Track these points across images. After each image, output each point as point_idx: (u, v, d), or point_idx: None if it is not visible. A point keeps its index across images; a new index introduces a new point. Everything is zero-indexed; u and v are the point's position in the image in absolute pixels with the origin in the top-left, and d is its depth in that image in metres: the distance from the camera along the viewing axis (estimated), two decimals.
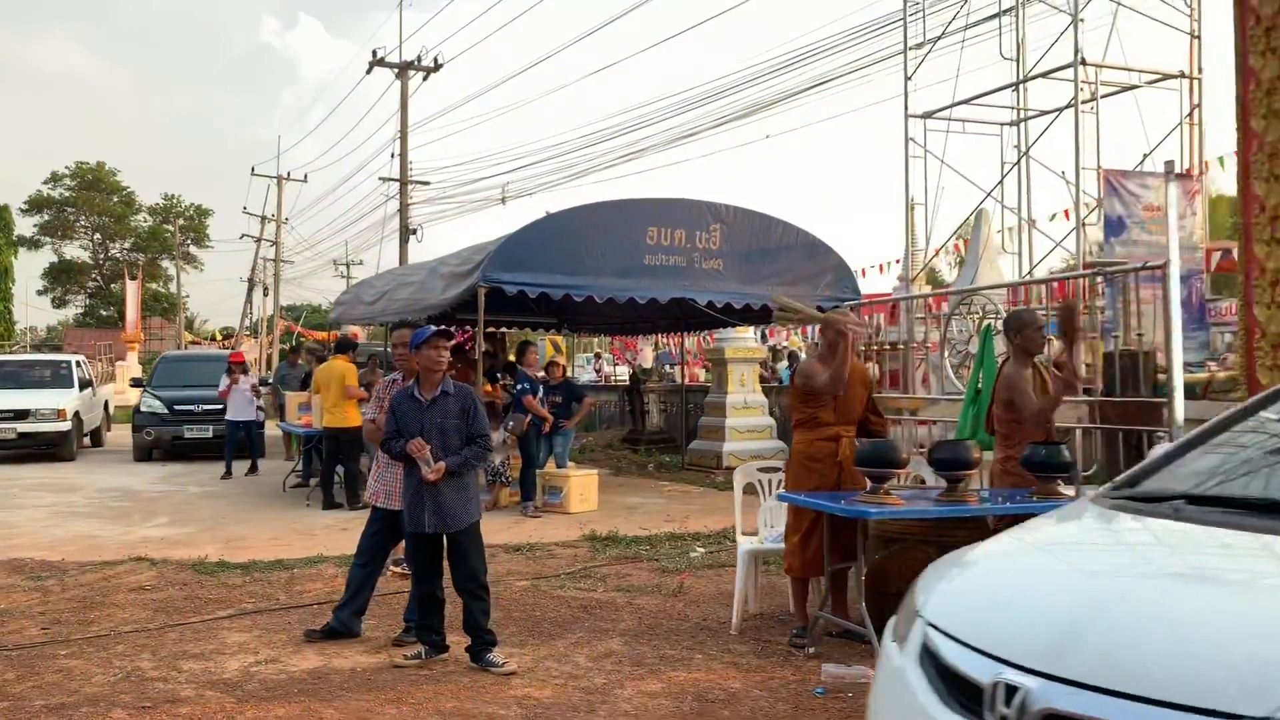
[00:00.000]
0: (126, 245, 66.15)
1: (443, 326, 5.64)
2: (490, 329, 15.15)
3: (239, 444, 14.30)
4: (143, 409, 16.70)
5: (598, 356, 31.01)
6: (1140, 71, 11.22)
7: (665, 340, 21.77)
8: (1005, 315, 6.33)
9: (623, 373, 25.30)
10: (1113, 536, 2.90)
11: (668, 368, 21.95)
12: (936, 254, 13.87)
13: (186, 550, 8.54)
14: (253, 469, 14.40)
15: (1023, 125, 12.38)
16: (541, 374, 11.75)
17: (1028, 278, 9.86)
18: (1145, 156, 10.90)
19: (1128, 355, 6.55)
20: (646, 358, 23.47)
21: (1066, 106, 10.82)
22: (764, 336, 20.13)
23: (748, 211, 12.08)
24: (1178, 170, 10.87)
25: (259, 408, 14.97)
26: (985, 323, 7.25)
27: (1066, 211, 12.74)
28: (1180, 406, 5.84)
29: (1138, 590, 2.39)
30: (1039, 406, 5.49)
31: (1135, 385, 6.29)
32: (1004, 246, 12.47)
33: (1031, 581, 2.66)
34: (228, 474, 13.94)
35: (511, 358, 13.44)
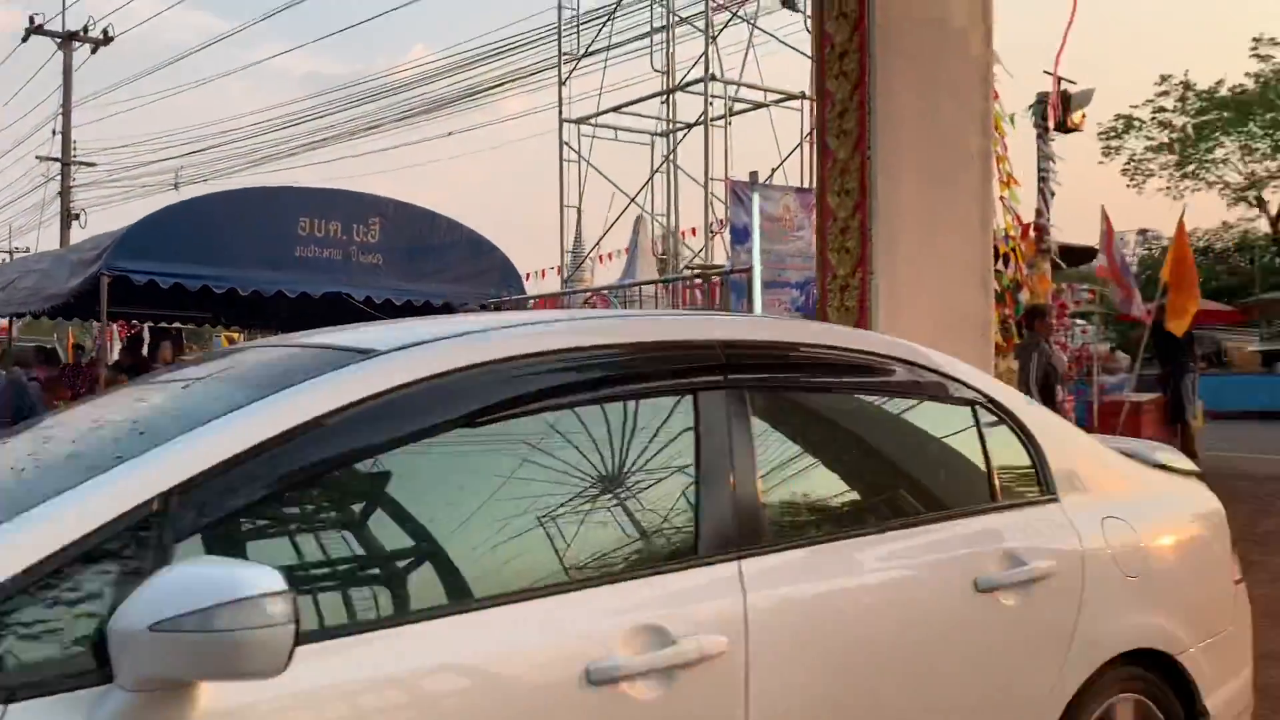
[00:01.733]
0: None
1: None
2: (164, 324, 14.09)
3: None
4: None
5: None
6: (768, 90, 12.10)
7: None
8: None
9: None
10: None
11: None
12: (602, 259, 14.34)
13: None
14: None
15: (671, 136, 13.03)
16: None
17: (641, 279, 10.39)
18: (774, 170, 11.80)
19: None
20: None
21: (697, 122, 11.51)
22: None
23: (410, 206, 11.92)
24: (803, 185, 11.81)
25: None
26: None
27: (723, 221, 13.55)
28: None
29: None
30: None
31: None
32: (654, 251, 13.08)
33: None
34: None
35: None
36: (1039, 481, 2.73)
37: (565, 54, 13.48)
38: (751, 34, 11.81)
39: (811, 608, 2.15)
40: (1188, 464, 3.31)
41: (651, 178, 12.86)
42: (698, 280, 8.21)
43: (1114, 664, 2.65)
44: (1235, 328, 24.30)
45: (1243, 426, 16.49)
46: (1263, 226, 33.39)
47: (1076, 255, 12.68)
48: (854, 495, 2.49)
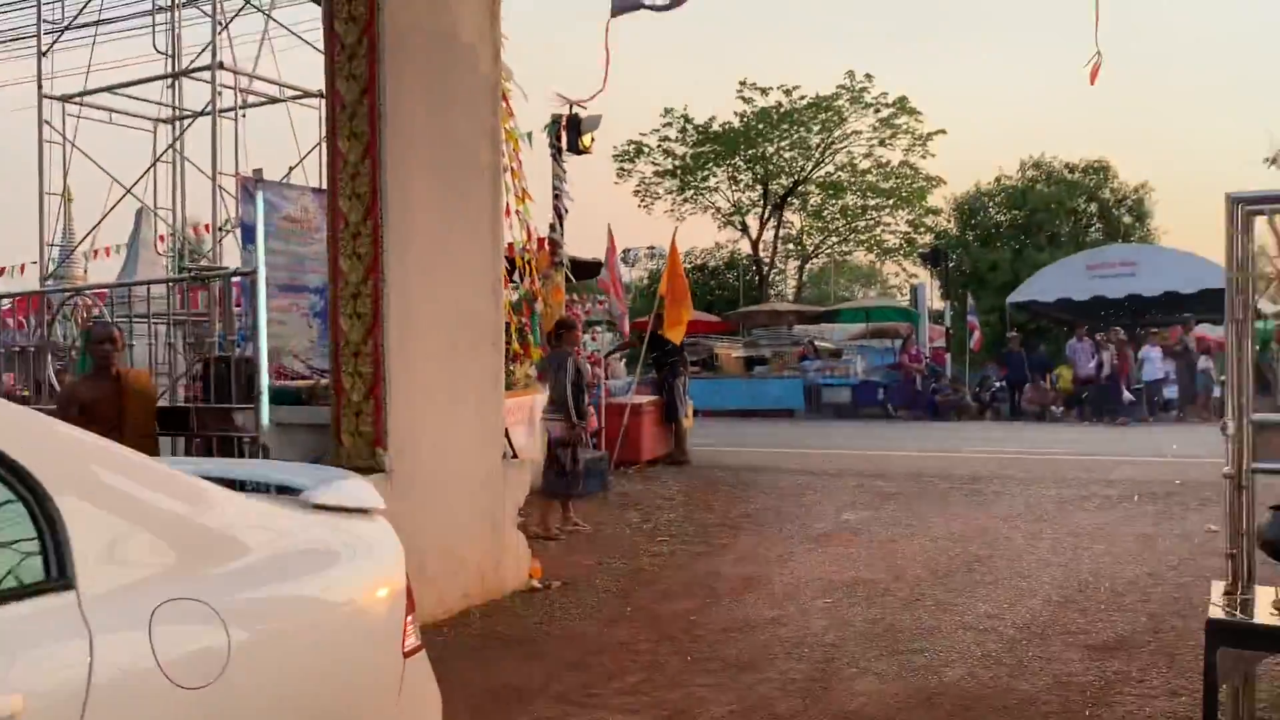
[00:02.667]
0: None
1: None
2: None
3: None
4: None
5: None
6: (283, 85, 11.69)
7: None
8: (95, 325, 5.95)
9: None
10: None
11: None
12: (98, 254, 12.94)
13: None
14: None
15: (176, 124, 12.10)
16: None
17: (152, 279, 9.56)
18: (291, 169, 11.37)
19: (223, 361, 6.62)
20: None
21: (204, 111, 10.83)
22: None
23: None
24: (322, 186, 11.51)
25: None
26: (87, 327, 6.79)
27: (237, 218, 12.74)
28: (265, 411, 6.00)
29: None
30: None
31: (230, 391, 6.36)
32: (157, 247, 12.06)
33: None
34: None
35: None
36: (45, 561, 1.81)
37: (47, 22, 12.01)
38: (267, 25, 11.27)
39: None
40: (367, 499, 2.56)
41: (152, 167, 11.81)
42: (201, 282, 7.63)
43: None
44: (724, 336, 27.66)
45: (728, 423, 18.69)
46: (745, 247, 38.19)
47: (586, 269, 13.64)
48: None
